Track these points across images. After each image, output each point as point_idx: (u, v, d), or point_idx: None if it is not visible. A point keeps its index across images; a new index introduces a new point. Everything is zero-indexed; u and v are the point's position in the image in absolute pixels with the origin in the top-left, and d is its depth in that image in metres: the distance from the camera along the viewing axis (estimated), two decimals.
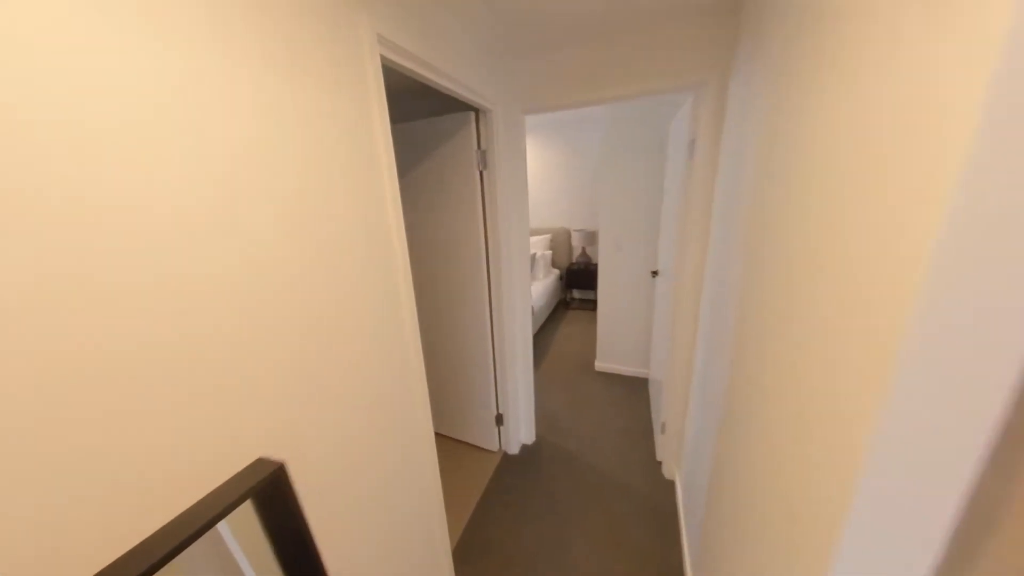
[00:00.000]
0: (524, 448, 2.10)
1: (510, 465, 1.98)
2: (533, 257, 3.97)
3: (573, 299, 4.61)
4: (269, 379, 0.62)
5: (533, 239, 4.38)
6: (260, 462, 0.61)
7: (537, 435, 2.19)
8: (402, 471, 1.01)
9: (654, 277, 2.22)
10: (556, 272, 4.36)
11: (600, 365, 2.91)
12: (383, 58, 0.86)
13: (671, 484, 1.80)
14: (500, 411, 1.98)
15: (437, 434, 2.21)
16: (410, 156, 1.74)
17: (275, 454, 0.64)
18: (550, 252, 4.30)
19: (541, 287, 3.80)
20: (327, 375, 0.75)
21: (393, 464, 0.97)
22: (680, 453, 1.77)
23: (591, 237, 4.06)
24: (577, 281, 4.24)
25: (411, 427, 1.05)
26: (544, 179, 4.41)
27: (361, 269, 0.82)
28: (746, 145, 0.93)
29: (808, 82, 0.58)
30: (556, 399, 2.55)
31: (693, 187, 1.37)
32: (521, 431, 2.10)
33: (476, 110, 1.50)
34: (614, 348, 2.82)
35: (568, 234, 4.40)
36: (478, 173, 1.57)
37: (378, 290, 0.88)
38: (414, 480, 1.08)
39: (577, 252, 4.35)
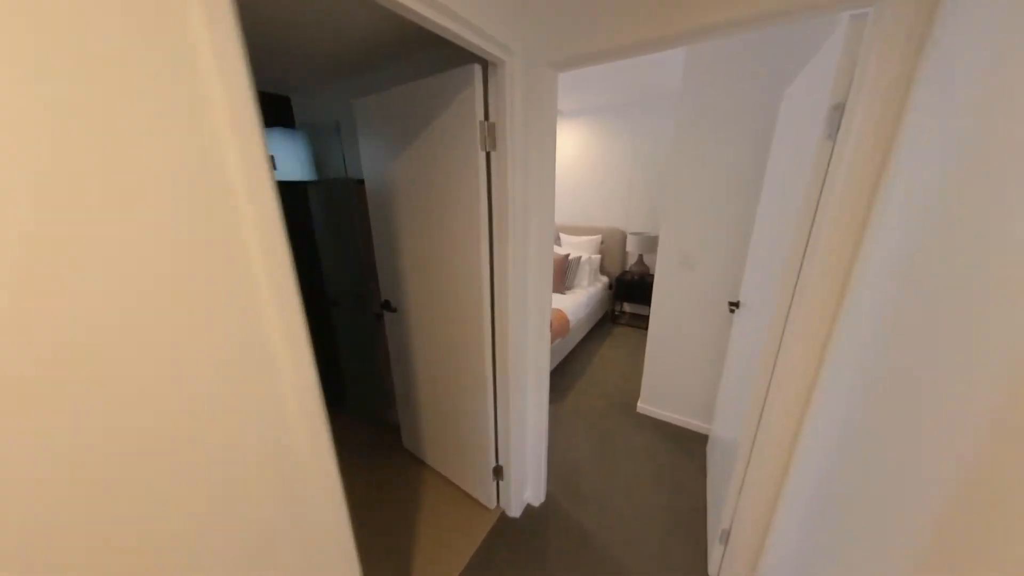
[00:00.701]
0: (528, 511, 1.66)
1: (507, 531, 1.56)
2: (578, 261, 3.43)
3: (622, 313, 3.97)
4: None
5: (579, 240, 3.83)
6: None
7: (548, 495, 1.73)
8: None
9: (733, 312, 1.60)
10: (605, 280, 3.77)
11: (644, 407, 2.32)
12: None
13: None
14: (500, 463, 1.56)
15: (424, 465, 1.87)
16: (389, 134, 1.36)
17: None
18: (599, 256, 3.72)
19: (584, 296, 3.26)
20: None
21: None
22: None
23: (651, 243, 3.39)
24: (629, 293, 3.61)
25: None
26: (596, 170, 3.81)
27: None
28: None
29: None
30: (580, 447, 2.05)
31: (835, 184, 0.78)
32: (526, 488, 1.66)
33: (482, 63, 1.06)
34: (665, 389, 2.22)
35: (623, 237, 3.77)
36: (483, 156, 1.13)
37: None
38: None
39: (632, 259, 3.70)
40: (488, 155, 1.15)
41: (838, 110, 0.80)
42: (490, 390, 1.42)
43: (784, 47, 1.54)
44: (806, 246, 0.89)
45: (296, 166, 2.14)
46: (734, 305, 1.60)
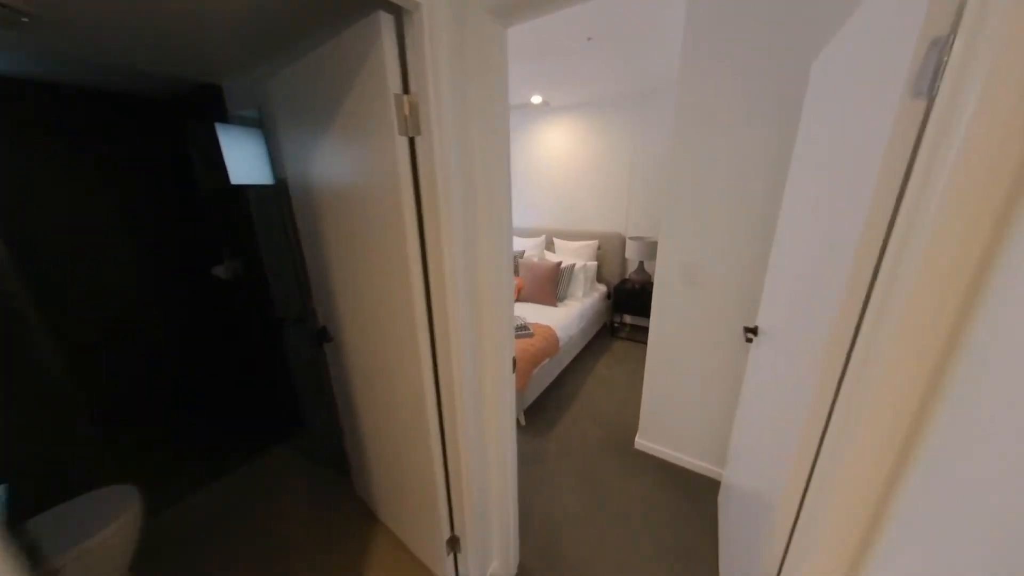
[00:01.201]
0: None
1: None
2: (571, 269, 3.11)
3: (622, 325, 3.64)
4: None
5: (574, 245, 3.51)
6: None
7: (521, 564, 1.40)
8: None
9: (749, 340, 1.26)
10: (602, 289, 3.44)
11: (643, 443, 1.99)
12: None
13: None
14: (455, 532, 1.24)
15: (377, 519, 1.56)
16: (303, 119, 1.07)
17: None
18: (595, 264, 3.39)
19: (578, 309, 2.94)
20: None
21: None
22: None
23: (652, 249, 3.06)
24: (629, 303, 3.28)
25: None
26: (591, 169, 3.49)
27: None
28: None
29: None
30: (566, 495, 1.72)
31: (942, 165, 0.46)
32: (492, 559, 1.34)
33: (395, 12, 0.76)
34: (667, 423, 1.89)
35: (622, 242, 3.43)
36: (404, 143, 0.83)
37: None
38: None
39: (632, 266, 3.37)
40: (412, 142, 0.84)
41: (935, 47, 0.47)
42: (437, 446, 1.11)
43: (806, 13, 1.21)
44: (879, 258, 0.56)
45: (254, 166, 1.85)
46: (751, 332, 1.26)
